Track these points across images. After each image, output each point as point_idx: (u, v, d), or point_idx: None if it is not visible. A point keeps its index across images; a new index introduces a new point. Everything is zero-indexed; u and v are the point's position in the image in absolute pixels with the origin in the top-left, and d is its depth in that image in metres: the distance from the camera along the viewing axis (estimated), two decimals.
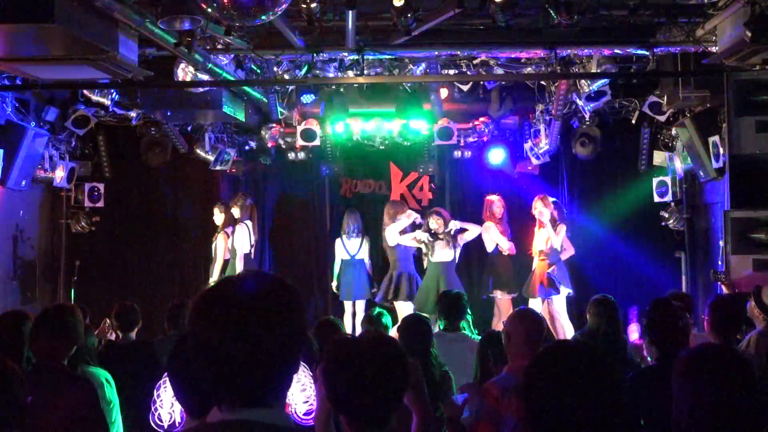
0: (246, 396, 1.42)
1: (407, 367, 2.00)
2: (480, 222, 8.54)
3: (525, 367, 1.86)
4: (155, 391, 2.66)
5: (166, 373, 2.42)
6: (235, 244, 8.37)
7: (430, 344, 4.21)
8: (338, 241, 8.86)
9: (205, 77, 6.59)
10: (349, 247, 8.74)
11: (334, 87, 8.29)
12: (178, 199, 9.79)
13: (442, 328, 5.14)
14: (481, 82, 8.15)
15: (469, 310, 5.40)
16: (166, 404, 2.63)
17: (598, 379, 1.77)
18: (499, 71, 7.29)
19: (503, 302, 8.31)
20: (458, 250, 8.15)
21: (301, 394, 3.01)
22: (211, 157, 9.14)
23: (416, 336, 4.15)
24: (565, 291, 7.89)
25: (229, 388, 1.41)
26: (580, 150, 9.02)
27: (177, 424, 2.58)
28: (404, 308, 7.87)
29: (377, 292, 8.51)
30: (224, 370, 1.40)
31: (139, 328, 5.41)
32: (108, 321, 6.11)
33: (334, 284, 8.89)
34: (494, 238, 8.43)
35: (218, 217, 8.68)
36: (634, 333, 5.53)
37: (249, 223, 8.53)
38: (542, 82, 8.06)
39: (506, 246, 8.37)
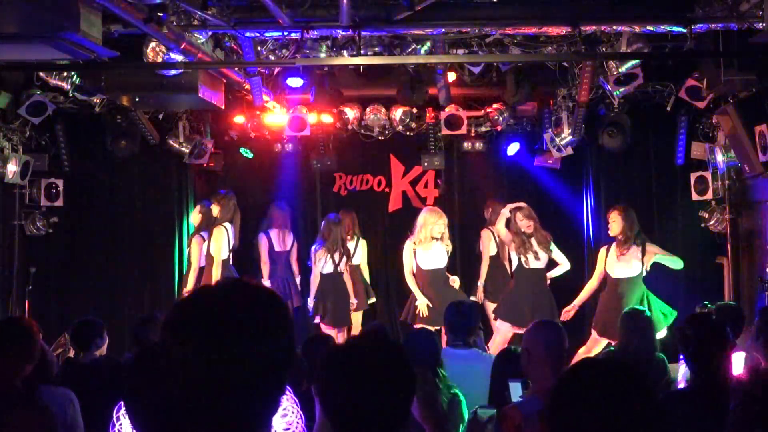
0: (225, 423, 1.41)
1: (413, 372, 1.98)
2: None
3: (551, 388, 1.85)
4: (114, 414, 2.65)
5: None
6: (211, 249, 8.37)
7: (439, 361, 4.25)
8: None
9: (179, 58, 6.58)
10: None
11: (326, 69, 8.28)
12: (148, 198, 9.78)
13: (450, 343, 5.15)
14: (495, 64, 8.15)
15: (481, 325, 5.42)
16: (126, 429, 2.62)
17: (634, 401, 1.76)
18: (515, 51, 7.28)
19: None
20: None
21: (282, 420, 3.01)
22: (185, 150, 9.13)
23: (423, 351, 4.18)
24: None
25: (206, 413, 1.41)
26: (607, 141, 9.01)
27: None
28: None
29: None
30: (200, 393, 1.40)
31: (105, 346, 5.38)
32: (66, 336, 6.09)
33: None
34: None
35: (195, 217, 8.68)
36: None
37: (229, 225, 8.53)
38: (564, 64, 8.06)
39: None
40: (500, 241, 8.49)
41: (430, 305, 7.81)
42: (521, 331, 7.80)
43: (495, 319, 8.01)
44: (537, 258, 7.85)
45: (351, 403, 1.90)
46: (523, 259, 7.85)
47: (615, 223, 7.56)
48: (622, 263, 7.51)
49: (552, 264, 8.05)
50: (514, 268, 8.01)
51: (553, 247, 7.97)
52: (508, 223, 7.94)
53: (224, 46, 7.30)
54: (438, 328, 7.48)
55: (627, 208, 7.69)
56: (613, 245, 7.61)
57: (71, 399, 3.74)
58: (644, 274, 7.53)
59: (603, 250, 7.74)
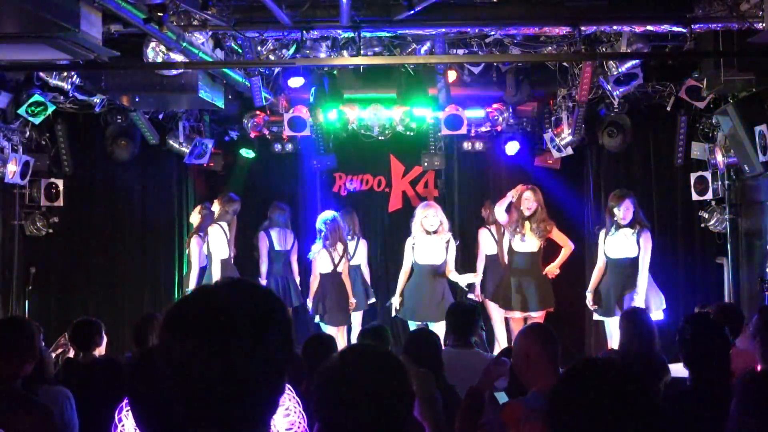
0: (225, 422, 1.41)
1: (408, 378, 1.95)
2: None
3: (551, 388, 1.85)
4: (116, 414, 2.64)
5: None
6: (210, 248, 8.39)
7: (440, 361, 4.28)
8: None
9: (179, 58, 6.58)
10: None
11: (326, 69, 8.28)
12: (148, 198, 9.78)
13: (451, 343, 5.16)
14: (495, 64, 8.15)
15: (482, 325, 5.44)
16: (129, 430, 2.62)
17: (633, 401, 1.76)
18: (515, 51, 7.29)
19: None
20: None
21: (285, 419, 3.00)
22: (185, 150, 9.13)
23: (424, 352, 4.21)
24: None
25: (205, 413, 1.41)
26: (607, 141, 9.02)
27: None
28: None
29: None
30: (199, 392, 1.39)
31: (103, 345, 5.38)
32: (66, 336, 6.10)
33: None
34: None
35: (194, 217, 8.69)
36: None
37: (224, 224, 8.55)
38: (564, 64, 8.06)
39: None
40: (496, 230, 8.50)
41: (398, 308, 8.01)
42: (508, 314, 7.90)
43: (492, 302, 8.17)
44: (522, 240, 7.84)
45: (348, 421, 1.88)
46: (510, 239, 7.90)
47: (629, 211, 7.50)
48: (622, 244, 7.49)
49: (553, 250, 8.05)
50: (506, 251, 8.09)
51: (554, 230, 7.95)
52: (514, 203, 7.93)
53: (224, 46, 7.29)
54: (420, 323, 7.56)
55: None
56: (612, 229, 7.58)
57: (67, 396, 3.75)
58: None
59: (603, 234, 7.72)
